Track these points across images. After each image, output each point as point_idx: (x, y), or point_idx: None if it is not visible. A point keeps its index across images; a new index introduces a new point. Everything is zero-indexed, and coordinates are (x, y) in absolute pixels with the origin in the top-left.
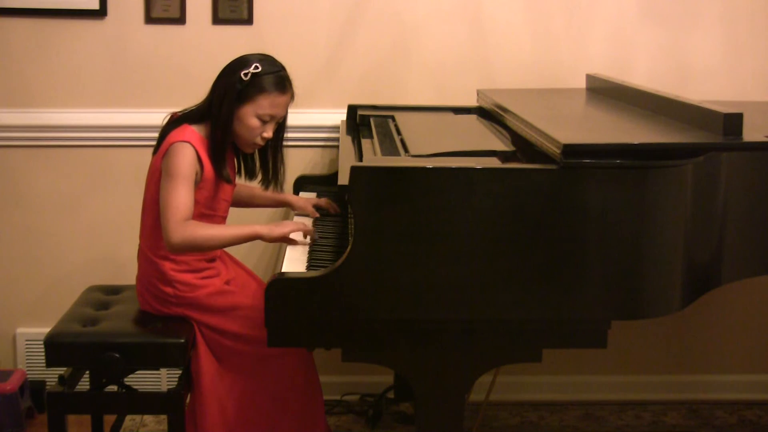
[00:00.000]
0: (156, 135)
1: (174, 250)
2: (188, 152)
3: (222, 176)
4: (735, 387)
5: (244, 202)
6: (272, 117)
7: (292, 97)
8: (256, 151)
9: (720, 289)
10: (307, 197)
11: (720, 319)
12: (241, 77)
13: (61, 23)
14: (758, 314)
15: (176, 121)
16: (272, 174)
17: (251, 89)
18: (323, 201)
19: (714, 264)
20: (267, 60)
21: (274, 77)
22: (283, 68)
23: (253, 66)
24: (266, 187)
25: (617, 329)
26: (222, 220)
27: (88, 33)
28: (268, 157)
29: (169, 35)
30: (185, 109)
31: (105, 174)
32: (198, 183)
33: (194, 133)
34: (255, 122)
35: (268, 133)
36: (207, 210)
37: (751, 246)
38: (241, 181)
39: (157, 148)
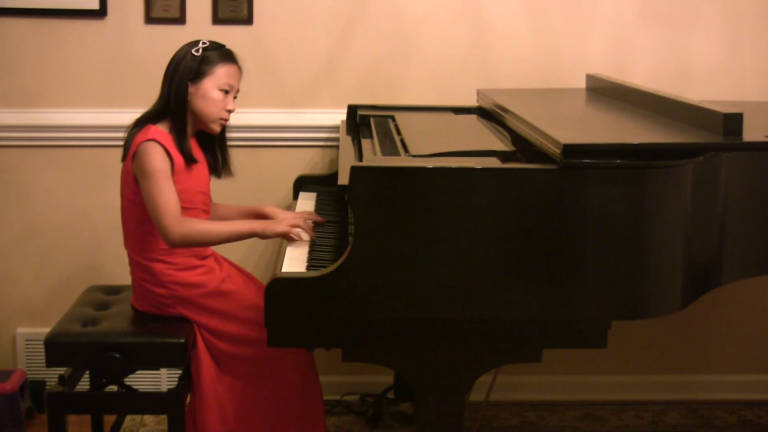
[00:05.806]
0: None
1: (174, 246)
2: (157, 149)
3: (188, 157)
4: (735, 387)
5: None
6: (231, 87)
7: (240, 69)
8: (204, 142)
9: (720, 289)
10: (299, 208)
11: (720, 319)
12: (193, 54)
13: (61, 23)
14: (758, 314)
15: (138, 123)
16: (222, 162)
17: (205, 64)
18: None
19: (714, 264)
20: (209, 41)
21: (222, 50)
22: (225, 45)
23: (201, 43)
24: (219, 176)
25: (617, 329)
26: (204, 213)
27: (88, 33)
28: (215, 146)
29: (169, 35)
30: (145, 112)
31: (105, 174)
32: (172, 177)
33: (158, 130)
34: (218, 94)
35: (232, 105)
36: (185, 204)
37: (751, 246)
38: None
39: (125, 154)
